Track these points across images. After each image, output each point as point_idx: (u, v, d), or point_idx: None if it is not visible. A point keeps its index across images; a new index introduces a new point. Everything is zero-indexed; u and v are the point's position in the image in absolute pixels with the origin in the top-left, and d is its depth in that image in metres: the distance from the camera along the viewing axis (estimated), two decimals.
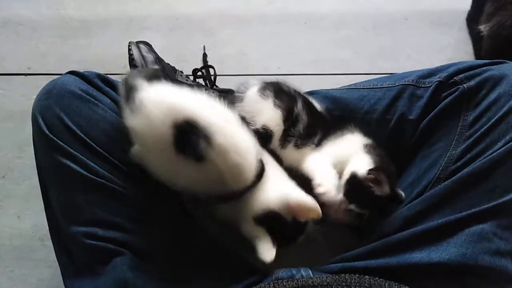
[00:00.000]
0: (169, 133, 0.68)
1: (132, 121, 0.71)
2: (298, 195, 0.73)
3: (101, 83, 0.84)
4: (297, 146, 0.86)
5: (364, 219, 0.83)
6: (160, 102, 0.70)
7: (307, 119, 0.87)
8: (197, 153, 0.68)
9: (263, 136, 0.82)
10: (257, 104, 0.86)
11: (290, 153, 0.86)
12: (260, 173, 0.75)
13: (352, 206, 0.82)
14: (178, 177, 0.72)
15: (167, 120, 0.68)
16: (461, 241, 0.70)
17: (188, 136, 0.68)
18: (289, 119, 0.85)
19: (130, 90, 0.72)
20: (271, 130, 0.84)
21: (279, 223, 0.72)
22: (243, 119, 0.81)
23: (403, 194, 0.82)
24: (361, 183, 0.81)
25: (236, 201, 0.74)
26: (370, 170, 0.81)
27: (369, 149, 0.86)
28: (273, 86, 0.89)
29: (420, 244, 0.72)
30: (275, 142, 0.85)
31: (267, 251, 0.69)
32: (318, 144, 0.87)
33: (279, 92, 0.88)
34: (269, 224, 0.72)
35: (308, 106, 0.89)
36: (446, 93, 0.84)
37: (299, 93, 0.91)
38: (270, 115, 0.85)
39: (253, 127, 0.82)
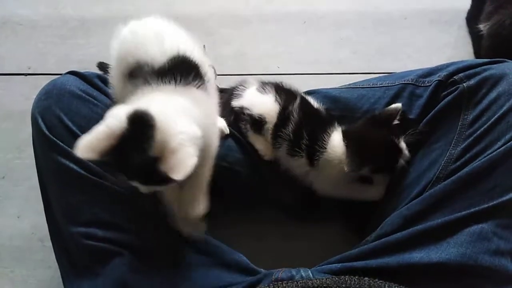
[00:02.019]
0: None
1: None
2: None
3: (100, 83, 0.84)
4: (288, 153, 0.88)
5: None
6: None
7: (298, 119, 0.87)
8: None
9: (257, 123, 0.89)
10: (257, 98, 0.91)
11: (283, 157, 0.89)
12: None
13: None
14: None
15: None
16: (461, 241, 0.70)
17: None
18: (282, 114, 0.88)
19: None
20: (265, 119, 0.88)
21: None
22: (241, 108, 0.90)
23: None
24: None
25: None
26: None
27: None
28: (273, 84, 0.93)
29: (420, 244, 0.72)
30: (267, 135, 0.89)
31: None
32: (308, 153, 0.87)
33: (279, 89, 0.92)
34: None
35: (302, 106, 0.89)
36: (445, 92, 0.84)
37: (297, 93, 0.92)
38: (268, 108, 0.89)
39: (250, 113, 0.89)
